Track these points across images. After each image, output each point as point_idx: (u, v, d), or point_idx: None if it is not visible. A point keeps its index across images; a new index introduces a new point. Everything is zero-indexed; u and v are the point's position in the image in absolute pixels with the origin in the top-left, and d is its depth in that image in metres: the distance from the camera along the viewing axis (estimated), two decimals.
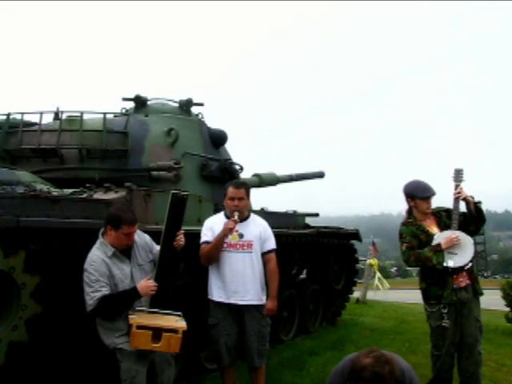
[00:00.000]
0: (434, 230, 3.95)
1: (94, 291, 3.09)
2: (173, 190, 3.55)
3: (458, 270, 3.80)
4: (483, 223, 3.94)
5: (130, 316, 3.12)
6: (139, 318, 3.13)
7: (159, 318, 3.20)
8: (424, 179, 4.13)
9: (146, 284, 3.16)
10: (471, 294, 3.83)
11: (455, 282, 3.80)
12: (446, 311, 3.77)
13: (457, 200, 3.82)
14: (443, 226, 3.93)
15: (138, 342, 3.07)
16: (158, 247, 3.41)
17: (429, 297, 3.92)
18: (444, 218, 3.97)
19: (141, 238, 3.40)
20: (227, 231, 3.73)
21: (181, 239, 3.36)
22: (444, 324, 3.77)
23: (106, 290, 3.10)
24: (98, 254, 3.19)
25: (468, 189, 3.87)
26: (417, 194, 3.97)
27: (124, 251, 3.27)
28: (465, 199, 3.82)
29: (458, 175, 3.90)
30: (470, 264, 3.83)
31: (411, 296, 11.89)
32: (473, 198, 3.87)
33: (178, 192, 3.37)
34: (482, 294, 3.89)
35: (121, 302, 3.17)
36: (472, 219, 3.87)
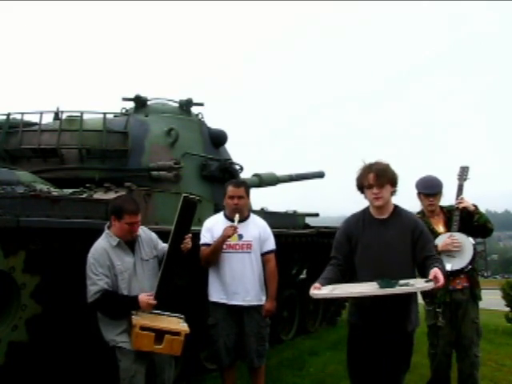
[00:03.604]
0: (440, 228, 3.88)
1: (92, 284, 3.10)
2: (174, 190, 3.54)
3: (457, 273, 3.74)
4: (487, 233, 3.84)
5: (132, 317, 3.11)
6: (142, 319, 3.11)
7: (162, 320, 3.19)
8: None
9: (147, 300, 3.14)
10: (467, 296, 3.78)
11: (451, 284, 3.74)
12: (440, 310, 3.75)
13: (458, 208, 3.78)
14: (450, 226, 3.83)
15: (141, 343, 3.05)
16: (162, 244, 3.41)
17: (424, 295, 3.91)
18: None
19: (146, 233, 3.41)
20: (225, 238, 3.74)
21: (188, 243, 3.36)
22: (438, 323, 3.76)
23: (104, 283, 3.09)
24: (101, 244, 3.20)
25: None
26: (419, 188, 3.92)
27: (128, 244, 3.26)
28: (464, 208, 3.77)
29: (463, 173, 3.84)
30: (470, 267, 3.75)
31: None
32: (476, 206, 3.80)
33: (190, 196, 3.36)
34: (480, 299, 3.84)
35: (118, 305, 3.16)
36: (476, 227, 3.80)
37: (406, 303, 3.03)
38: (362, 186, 3.11)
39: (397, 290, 2.75)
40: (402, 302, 2.99)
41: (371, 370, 3.12)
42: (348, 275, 3.14)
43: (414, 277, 3.05)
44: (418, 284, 2.82)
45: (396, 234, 3.04)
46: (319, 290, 2.89)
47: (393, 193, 3.10)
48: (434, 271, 2.77)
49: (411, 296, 3.06)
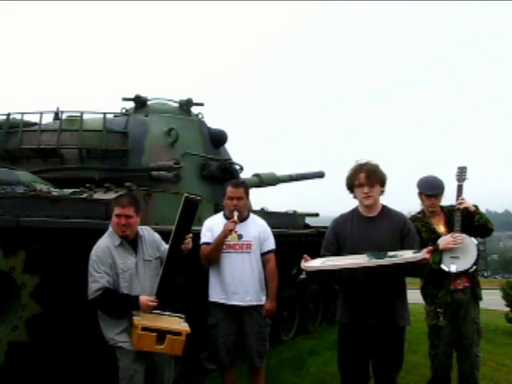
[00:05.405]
0: (441, 228, 3.86)
1: (94, 281, 3.12)
2: (174, 190, 3.54)
3: (461, 274, 3.72)
4: (487, 232, 3.82)
5: (134, 317, 3.11)
6: (143, 319, 3.11)
7: (163, 320, 3.19)
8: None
9: (147, 302, 3.15)
10: (468, 296, 3.77)
11: (452, 284, 3.73)
12: (441, 310, 3.75)
13: (459, 209, 3.75)
14: (451, 226, 3.81)
15: (143, 343, 3.05)
16: (165, 246, 3.42)
17: (425, 295, 3.91)
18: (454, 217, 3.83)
19: (150, 234, 3.43)
20: (227, 232, 3.73)
21: (189, 243, 3.38)
22: (439, 324, 3.75)
23: (105, 281, 3.12)
24: (104, 242, 3.23)
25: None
26: (421, 189, 3.91)
27: (131, 244, 3.28)
28: (465, 209, 3.75)
29: (462, 173, 3.84)
30: (474, 267, 3.73)
31: (411, 296, 11.81)
32: (476, 206, 3.79)
33: (191, 196, 3.37)
34: (481, 299, 3.84)
35: (119, 304, 3.18)
36: (476, 227, 3.78)
37: (393, 298, 3.09)
38: (351, 186, 3.23)
39: (386, 261, 2.86)
40: (388, 296, 3.06)
41: (362, 369, 3.17)
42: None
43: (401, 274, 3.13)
44: (406, 254, 2.92)
45: (385, 231, 3.13)
46: (310, 262, 3.03)
47: (381, 193, 3.22)
48: (428, 248, 3.00)
49: (399, 291, 3.14)
